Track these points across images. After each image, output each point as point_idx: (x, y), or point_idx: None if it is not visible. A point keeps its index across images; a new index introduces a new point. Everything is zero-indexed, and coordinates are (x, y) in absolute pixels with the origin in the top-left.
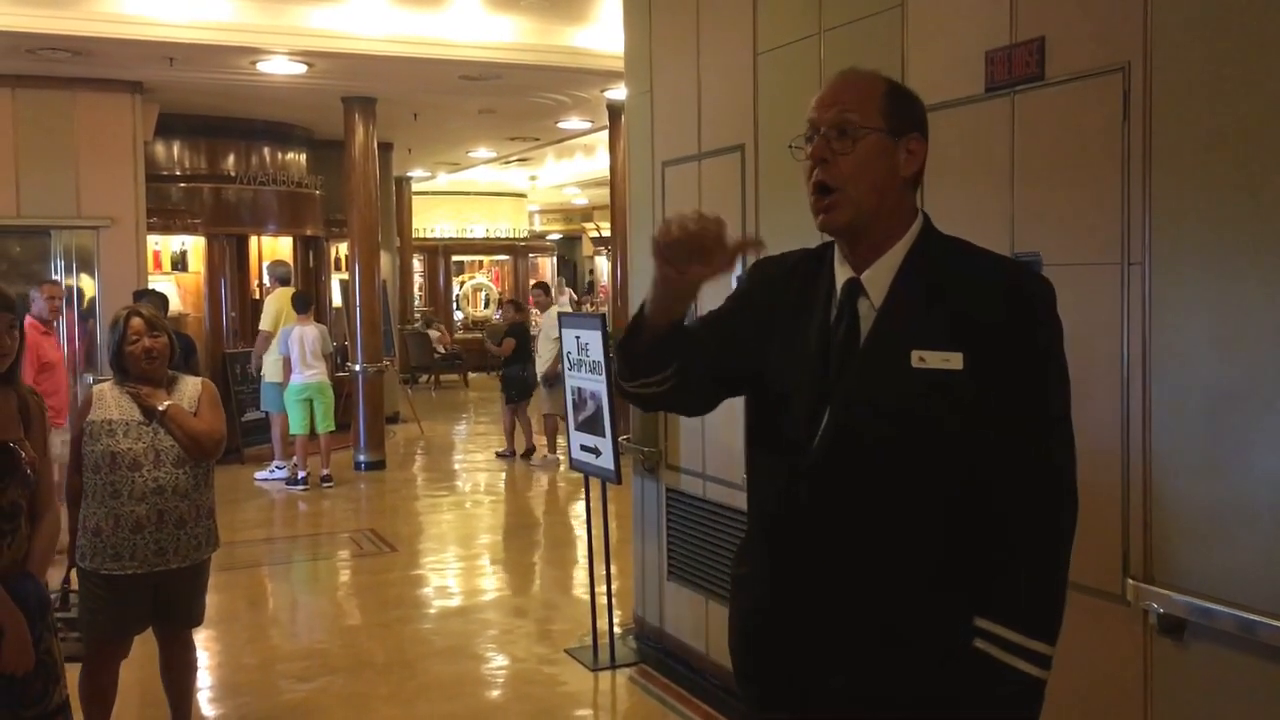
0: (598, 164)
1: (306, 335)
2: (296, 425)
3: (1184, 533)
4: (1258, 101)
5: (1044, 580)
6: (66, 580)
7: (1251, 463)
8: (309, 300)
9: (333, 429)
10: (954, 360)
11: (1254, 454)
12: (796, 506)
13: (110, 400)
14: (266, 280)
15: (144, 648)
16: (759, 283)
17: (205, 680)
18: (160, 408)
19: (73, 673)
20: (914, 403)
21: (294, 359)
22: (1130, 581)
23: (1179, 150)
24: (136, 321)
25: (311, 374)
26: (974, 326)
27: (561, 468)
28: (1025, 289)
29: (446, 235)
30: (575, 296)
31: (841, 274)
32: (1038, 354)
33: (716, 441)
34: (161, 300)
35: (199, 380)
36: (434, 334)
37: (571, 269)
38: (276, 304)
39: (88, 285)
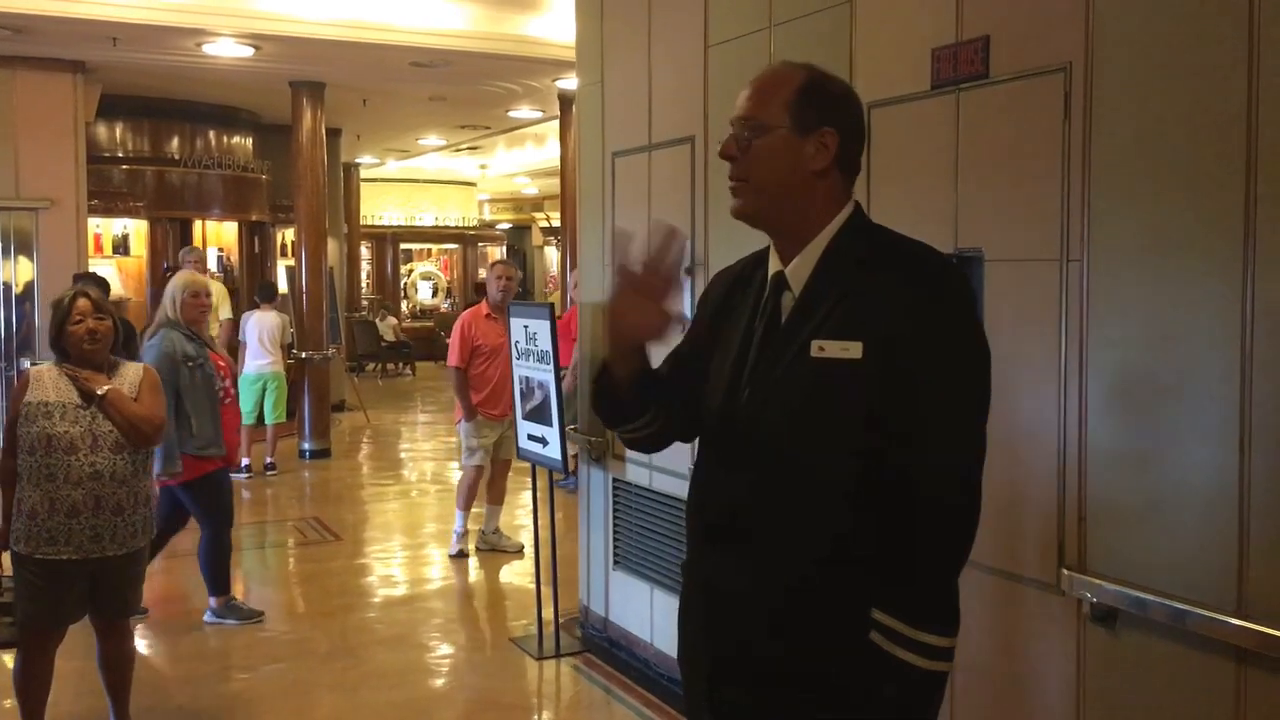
0: (548, 153)
1: (267, 323)
2: (245, 413)
3: (1118, 523)
4: (1192, 103)
5: (934, 574)
6: None
7: (1184, 455)
8: (273, 290)
9: (283, 419)
10: (853, 349)
11: (1186, 447)
12: (698, 498)
13: (48, 382)
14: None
15: (82, 635)
16: (712, 293)
17: (145, 669)
18: (99, 392)
19: (6, 660)
20: (810, 392)
21: (251, 346)
22: (1065, 571)
23: (1117, 150)
24: (83, 302)
25: (265, 363)
26: (877, 320)
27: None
28: (929, 289)
29: (395, 223)
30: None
31: (772, 269)
32: (936, 355)
33: None
34: (103, 284)
35: (140, 365)
36: (388, 323)
37: (521, 258)
38: (216, 290)
39: (25, 268)
